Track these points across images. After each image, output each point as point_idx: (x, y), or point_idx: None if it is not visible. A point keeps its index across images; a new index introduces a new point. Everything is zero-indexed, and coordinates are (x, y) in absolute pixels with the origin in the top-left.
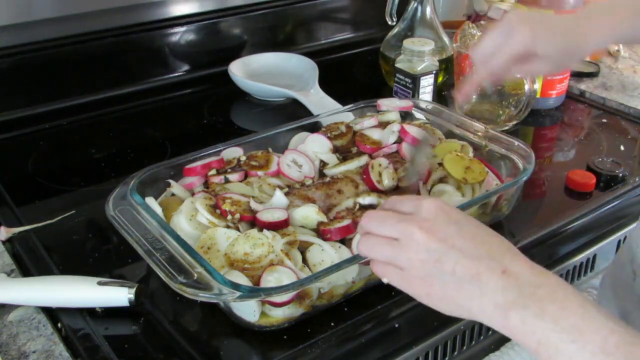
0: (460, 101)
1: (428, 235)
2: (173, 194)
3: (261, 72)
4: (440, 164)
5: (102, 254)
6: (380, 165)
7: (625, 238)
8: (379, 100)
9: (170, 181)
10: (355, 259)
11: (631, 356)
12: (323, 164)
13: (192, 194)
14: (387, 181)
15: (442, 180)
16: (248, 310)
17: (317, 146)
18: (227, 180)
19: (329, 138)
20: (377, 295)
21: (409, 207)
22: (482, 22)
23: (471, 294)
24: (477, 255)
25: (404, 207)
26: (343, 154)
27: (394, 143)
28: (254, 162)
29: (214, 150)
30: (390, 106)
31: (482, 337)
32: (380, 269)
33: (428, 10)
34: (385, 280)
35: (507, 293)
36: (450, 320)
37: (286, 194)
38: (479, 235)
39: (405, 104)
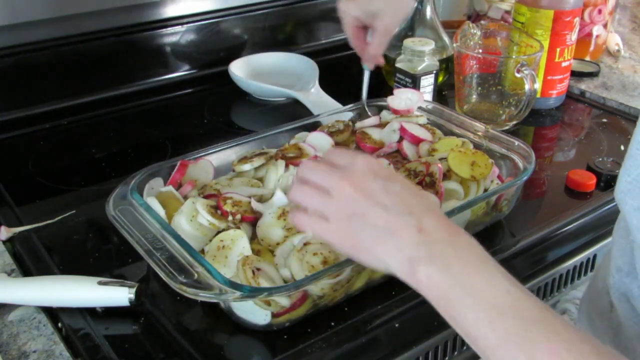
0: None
1: (356, 190)
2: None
3: (261, 72)
4: (442, 159)
5: (103, 254)
6: None
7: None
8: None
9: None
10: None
11: (521, 315)
12: None
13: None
14: None
15: (445, 175)
16: (259, 314)
17: (318, 144)
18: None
19: (330, 134)
20: (377, 295)
21: (343, 161)
22: (482, 22)
23: (389, 248)
24: (399, 211)
25: (339, 161)
26: None
27: (397, 142)
28: (290, 154)
29: (214, 151)
30: (401, 97)
31: None
32: (307, 220)
33: (428, 10)
34: (309, 234)
35: (419, 249)
36: None
37: None
38: (404, 194)
39: (412, 93)
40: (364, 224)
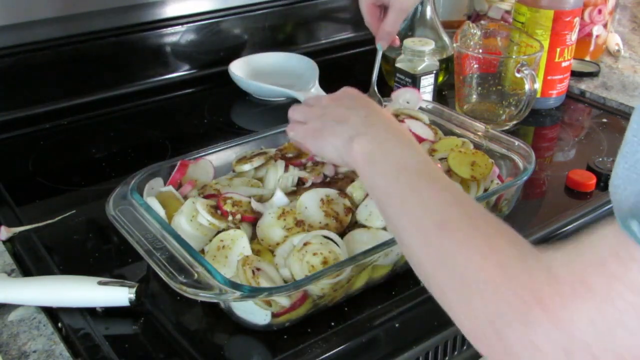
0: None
1: (331, 100)
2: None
3: (261, 72)
4: (442, 159)
5: (103, 254)
6: None
7: None
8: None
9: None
10: (355, 259)
11: (423, 175)
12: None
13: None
14: None
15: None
16: (259, 314)
17: None
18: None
19: None
20: (377, 295)
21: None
22: (482, 22)
23: (339, 132)
24: (357, 110)
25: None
26: None
27: None
28: (290, 153)
29: (214, 151)
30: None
31: None
32: (291, 126)
33: (428, 10)
34: (291, 135)
35: (360, 130)
36: (451, 320)
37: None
38: (369, 105)
39: (411, 92)
40: (328, 120)
